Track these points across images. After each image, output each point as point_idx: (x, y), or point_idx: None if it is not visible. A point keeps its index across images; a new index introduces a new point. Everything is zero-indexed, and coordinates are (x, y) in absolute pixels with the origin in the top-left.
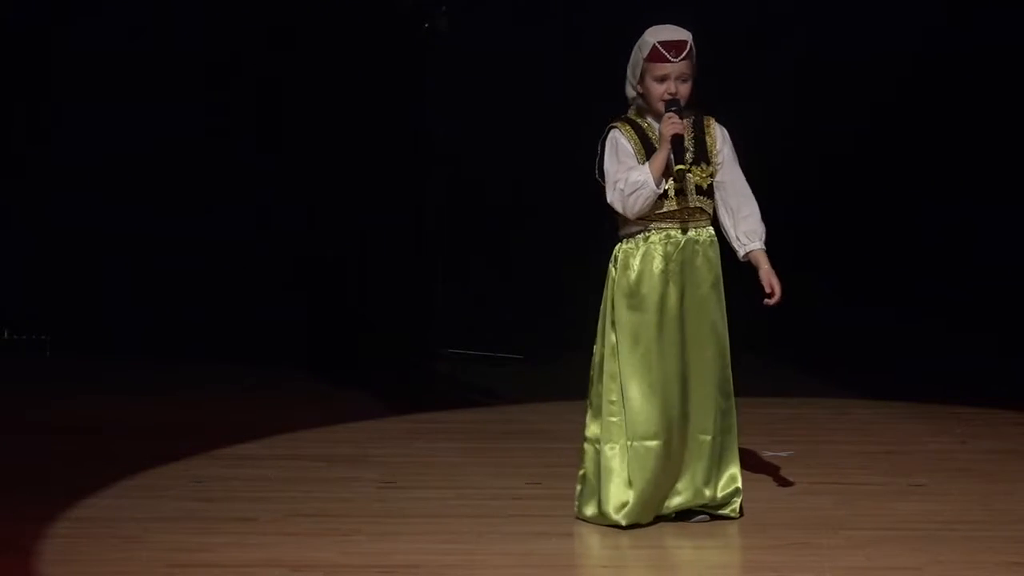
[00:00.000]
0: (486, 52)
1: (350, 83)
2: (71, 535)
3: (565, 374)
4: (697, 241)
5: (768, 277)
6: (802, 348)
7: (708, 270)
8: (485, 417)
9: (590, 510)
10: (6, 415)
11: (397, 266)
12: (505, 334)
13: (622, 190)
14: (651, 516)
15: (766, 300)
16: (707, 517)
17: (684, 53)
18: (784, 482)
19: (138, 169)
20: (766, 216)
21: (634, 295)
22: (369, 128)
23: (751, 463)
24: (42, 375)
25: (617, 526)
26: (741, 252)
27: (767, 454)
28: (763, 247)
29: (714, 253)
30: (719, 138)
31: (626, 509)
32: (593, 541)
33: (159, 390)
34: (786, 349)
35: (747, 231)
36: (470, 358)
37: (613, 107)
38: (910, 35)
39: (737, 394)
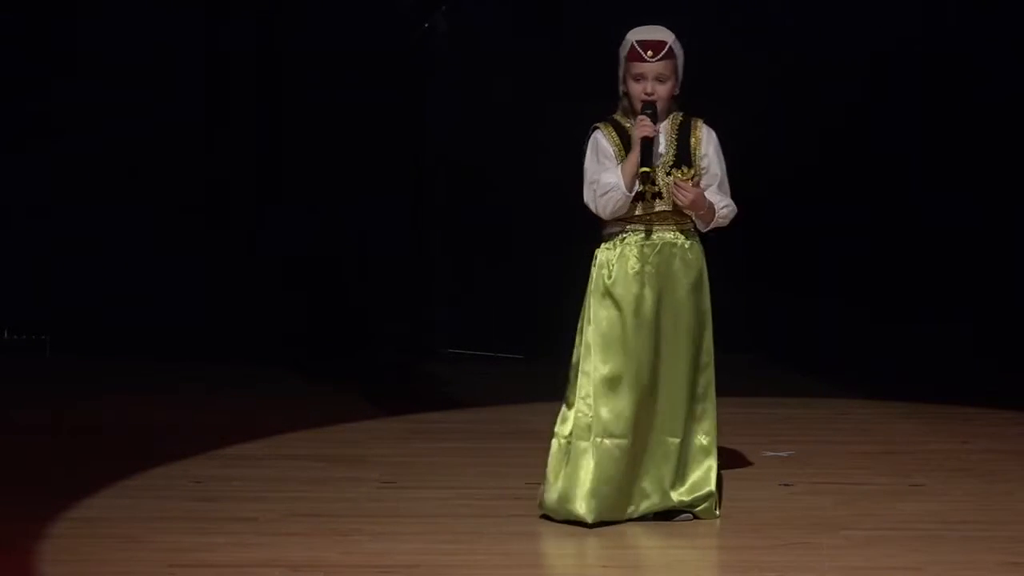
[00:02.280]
0: (486, 52)
1: (350, 83)
2: (71, 535)
3: (565, 374)
4: (675, 244)
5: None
6: (802, 348)
7: (685, 274)
8: (485, 417)
9: (554, 504)
10: (6, 415)
11: (397, 266)
12: (505, 334)
13: (595, 191)
14: (620, 515)
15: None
16: (690, 516)
17: (662, 53)
18: (784, 482)
19: (138, 169)
20: (766, 217)
21: (609, 295)
22: (369, 128)
23: (751, 463)
24: (42, 375)
25: (583, 524)
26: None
27: (767, 454)
28: (712, 206)
29: (694, 256)
30: (704, 140)
31: (593, 506)
32: (594, 541)
33: (159, 390)
34: (786, 349)
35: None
36: (470, 358)
37: (614, 107)
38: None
39: (736, 394)
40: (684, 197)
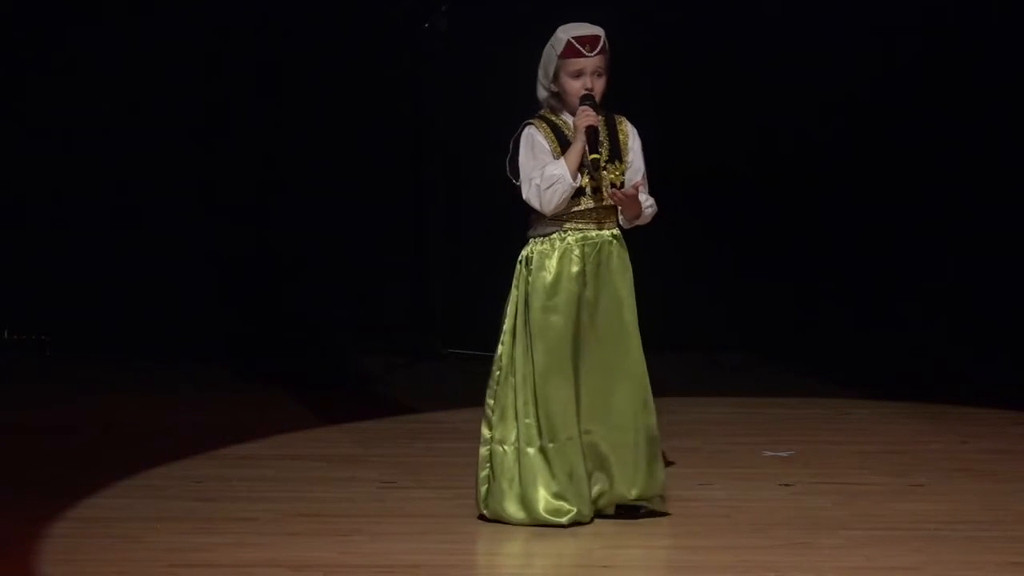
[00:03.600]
0: (486, 51)
1: (350, 83)
2: (71, 535)
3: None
4: (611, 241)
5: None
6: (801, 348)
7: (623, 270)
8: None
9: (514, 512)
10: (6, 415)
11: (397, 266)
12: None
13: (538, 185)
14: (589, 513)
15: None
16: (646, 510)
17: (599, 48)
18: (784, 482)
19: (138, 169)
20: (765, 216)
21: (550, 296)
22: (369, 127)
23: (751, 463)
24: (42, 375)
25: (558, 526)
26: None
27: (767, 454)
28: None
29: (626, 252)
30: (631, 136)
31: (563, 509)
32: (593, 541)
33: (159, 390)
34: (786, 349)
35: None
36: (470, 358)
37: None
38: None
39: (736, 394)
40: (628, 202)
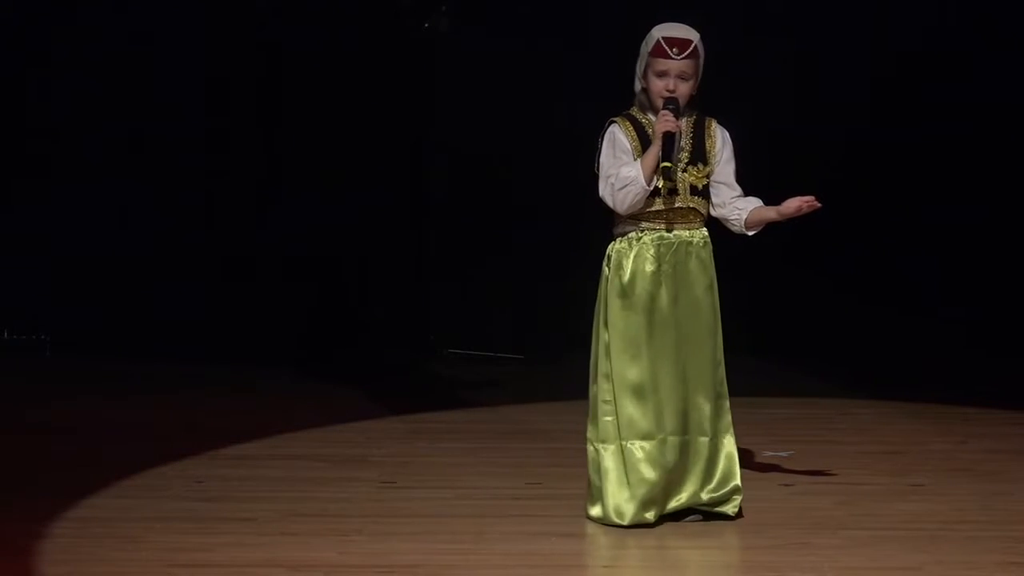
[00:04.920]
0: (487, 51)
1: (350, 83)
2: (71, 535)
3: (565, 374)
4: (691, 242)
5: (791, 203)
6: (802, 348)
7: (702, 272)
8: (485, 417)
9: (595, 511)
10: (6, 415)
11: (397, 266)
12: (505, 334)
13: (612, 184)
14: (654, 516)
15: (813, 203)
16: (700, 517)
17: (687, 52)
18: (784, 482)
19: (138, 168)
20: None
21: (626, 295)
22: (369, 128)
23: (751, 463)
24: (42, 375)
25: (620, 526)
26: (743, 218)
27: (767, 454)
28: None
29: (707, 255)
30: (719, 140)
31: (625, 509)
32: (594, 541)
33: (159, 390)
34: (786, 349)
35: (742, 205)
36: (470, 358)
37: (615, 107)
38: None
39: (736, 394)
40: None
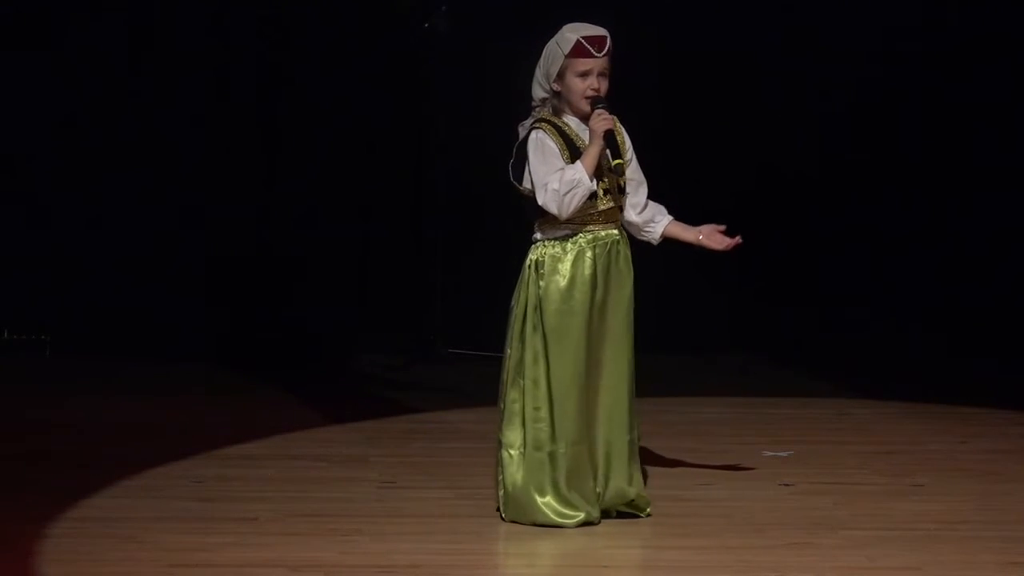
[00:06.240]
0: (487, 51)
1: (350, 83)
2: (71, 535)
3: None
4: (618, 241)
5: (706, 231)
6: (802, 348)
7: (628, 270)
8: (485, 417)
9: (532, 516)
10: (6, 415)
11: (397, 266)
12: (505, 334)
13: (556, 190)
14: (598, 515)
15: (733, 243)
16: (636, 512)
17: (606, 49)
18: (784, 482)
19: (138, 168)
20: (766, 217)
21: (565, 300)
22: (369, 128)
23: (751, 463)
24: (42, 375)
25: (566, 528)
26: (657, 232)
27: (767, 454)
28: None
29: (629, 252)
30: (626, 136)
31: (572, 511)
32: (593, 541)
33: (159, 390)
34: (785, 349)
35: (653, 213)
36: (470, 358)
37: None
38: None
39: (737, 395)
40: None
